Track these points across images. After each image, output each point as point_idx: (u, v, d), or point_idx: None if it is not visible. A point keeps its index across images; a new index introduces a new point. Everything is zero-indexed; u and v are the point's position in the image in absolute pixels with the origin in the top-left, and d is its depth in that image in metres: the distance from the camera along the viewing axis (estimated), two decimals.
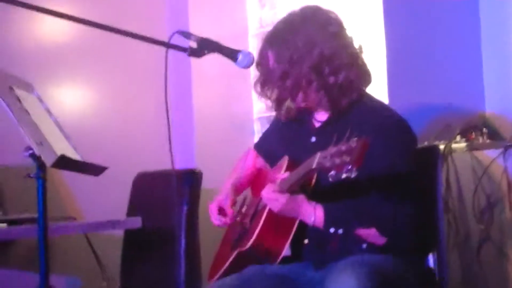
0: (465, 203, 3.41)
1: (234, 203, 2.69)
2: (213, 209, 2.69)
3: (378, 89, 3.44)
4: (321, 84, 2.47)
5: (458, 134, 3.49)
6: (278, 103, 2.60)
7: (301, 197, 2.37)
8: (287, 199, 2.34)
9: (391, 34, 3.70)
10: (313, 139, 2.55)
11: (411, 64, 3.77)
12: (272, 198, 2.36)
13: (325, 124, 2.55)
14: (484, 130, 3.52)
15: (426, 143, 3.33)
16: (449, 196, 3.44)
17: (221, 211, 2.68)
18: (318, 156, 2.12)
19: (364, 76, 2.54)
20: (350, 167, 2.01)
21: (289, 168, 2.45)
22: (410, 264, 2.41)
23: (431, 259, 2.61)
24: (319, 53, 2.46)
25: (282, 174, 2.44)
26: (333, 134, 2.35)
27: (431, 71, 3.81)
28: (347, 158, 2.01)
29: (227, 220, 2.65)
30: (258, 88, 2.62)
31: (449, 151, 3.44)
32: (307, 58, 2.47)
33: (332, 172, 2.08)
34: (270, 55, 2.55)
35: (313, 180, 2.41)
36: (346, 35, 2.54)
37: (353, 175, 2.03)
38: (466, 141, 3.46)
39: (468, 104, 3.87)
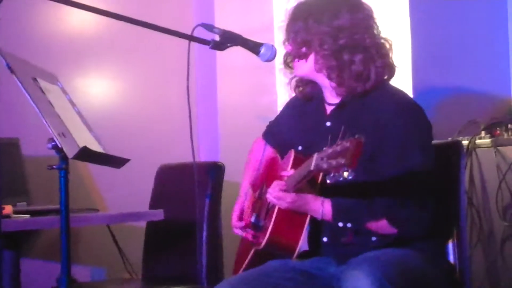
0: (489, 199, 3.39)
1: (254, 202, 2.70)
2: (234, 215, 2.71)
3: (402, 77, 3.43)
4: (334, 53, 2.43)
5: (482, 129, 3.47)
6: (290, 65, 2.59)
7: (308, 194, 2.37)
8: (293, 198, 2.34)
9: (416, 20, 3.68)
10: (328, 123, 2.53)
11: (436, 49, 3.75)
12: (279, 197, 2.36)
13: (338, 107, 2.52)
14: (510, 126, 3.49)
15: (450, 139, 3.31)
16: (473, 192, 3.43)
17: (241, 215, 2.70)
18: (315, 157, 2.10)
19: (386, 69, 2.51)
20: (346, 168, 2.00)
21: (295, 163, 2.43)
22: (430, 259, 2.40)
23: (451, 255, 2.59)
24: (339, 24, 2.44)
25: (288, 171, 2.42)
26: (348, 118, 2.37)
27: (456, 55, 3.79)
28: (342, 160, 1.99)
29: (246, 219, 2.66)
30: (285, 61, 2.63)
31: (473, 146, 3.42)
32: (325, 23, 2.44)
33: (331, 175, 2.07)
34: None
35: (319, 178, 2.39)
36: (374, 25, 2.51)
37: (350, 177, 2.02)
38: (491, 137, 3.44)
39: (494, 89, 3.85)
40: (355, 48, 2.44)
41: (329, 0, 2.50)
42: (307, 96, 2.63)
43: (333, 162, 2.01)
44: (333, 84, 2.47)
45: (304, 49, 2.49)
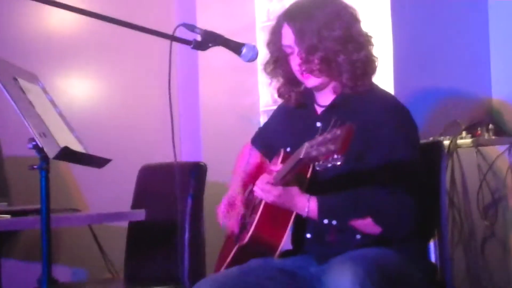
0: (470, 199, 3.41)
1: (244, 200, 2.69)
2: (221, 207, 2.69)
3: (384, 78, 3.44)
4: (348, 58, 2.45)
5: (464, 130, 3.50)
6: (290, 82, 2.59)
7: (295, 189, 2.36)
8: (280, 191, 2.33)
9: (398, 22, 3.70)
10: (318, 124, 2.53)
11: (417, 51, 3.77)
12: (265, 190, 2.35)
13: (329, 108, 2.53)
14: (490, 126, 3.52)
15: (431, 139, 3.33)
16: (454, 192, 3.44)
17: (231, 205, 2.67)
18: (305, 146, 2.10)
19: (372, 64, 2.54)
20: (335, 155, 2.00)
21: (284, 160, 2.43)
22: (411, 259, 2.41)
23: (433, 255, 2.61)
24: (345, 28, 2.45)
25: (276, 166, 2.43)
26: (338, 118, 2.37)
27: (437, 57, 3.81)
28: (332, 146, 1.99)
29: (235, 211, 2.64)
30: (269, 69, 2.61)
31: (455, 146, 3.44)
32: (334, 32, 2.45)
33: (320, 162, 2.07)
34: (289, 31, 2.50)
35: (309, 172, 2.40)
36: (360, 21, 2.54)
37: (338, 162, 2.02)
38: (472, 137, 3.46)
39: (474, 90, 3.87)
40: (359, 47, 2.47)
41: (326, 8, 2.48)
42: (299, 99, 2.63)
43: (323, 148, 2.01)
44: (340, 85, 2.49)
45: (323, 64, 2.46)
